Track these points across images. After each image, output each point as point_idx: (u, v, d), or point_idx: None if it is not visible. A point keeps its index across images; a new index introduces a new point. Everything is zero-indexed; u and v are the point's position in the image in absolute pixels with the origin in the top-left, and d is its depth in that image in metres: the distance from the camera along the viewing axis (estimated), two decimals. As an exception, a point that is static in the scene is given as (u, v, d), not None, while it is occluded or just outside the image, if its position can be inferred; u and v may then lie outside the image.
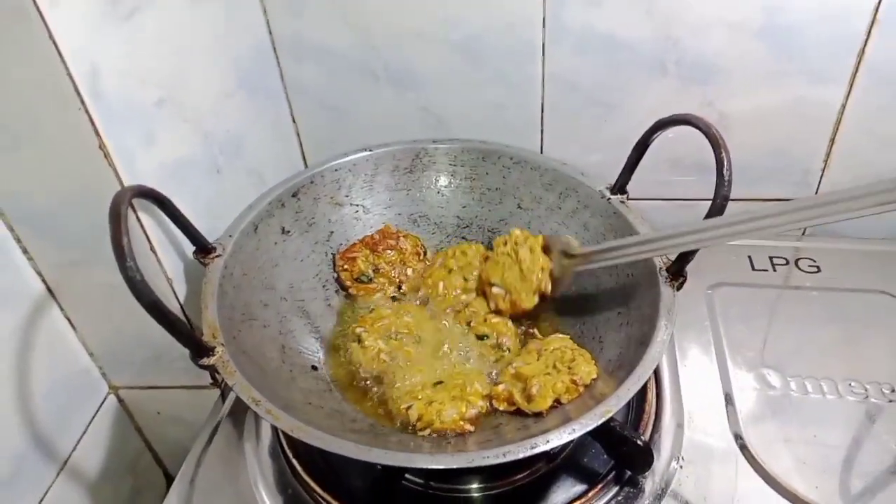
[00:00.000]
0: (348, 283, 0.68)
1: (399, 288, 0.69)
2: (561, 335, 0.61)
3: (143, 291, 0.43)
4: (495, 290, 0.64)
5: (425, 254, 0.72)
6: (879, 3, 0.65)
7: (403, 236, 0.72)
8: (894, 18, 0.66)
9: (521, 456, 0.45)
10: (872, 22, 0.66)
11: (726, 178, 0.52)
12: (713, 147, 0.53)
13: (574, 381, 0.54)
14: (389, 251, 0.70)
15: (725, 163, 0.52)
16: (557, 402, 0.55)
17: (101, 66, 0.48)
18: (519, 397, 0.56)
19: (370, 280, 0.68)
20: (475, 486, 0.58)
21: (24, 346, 0.57)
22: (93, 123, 0.48)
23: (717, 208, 0.52)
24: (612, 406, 0.48)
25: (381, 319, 0.63)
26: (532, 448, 0.45)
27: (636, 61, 0.72)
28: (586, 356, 0.57)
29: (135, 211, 0.53)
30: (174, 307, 0.59)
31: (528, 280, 0.62)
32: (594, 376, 0.55)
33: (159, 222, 0.56)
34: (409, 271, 0.69)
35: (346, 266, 0.69)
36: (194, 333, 0.48)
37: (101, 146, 0.49)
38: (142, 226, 0.54)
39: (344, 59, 0.76)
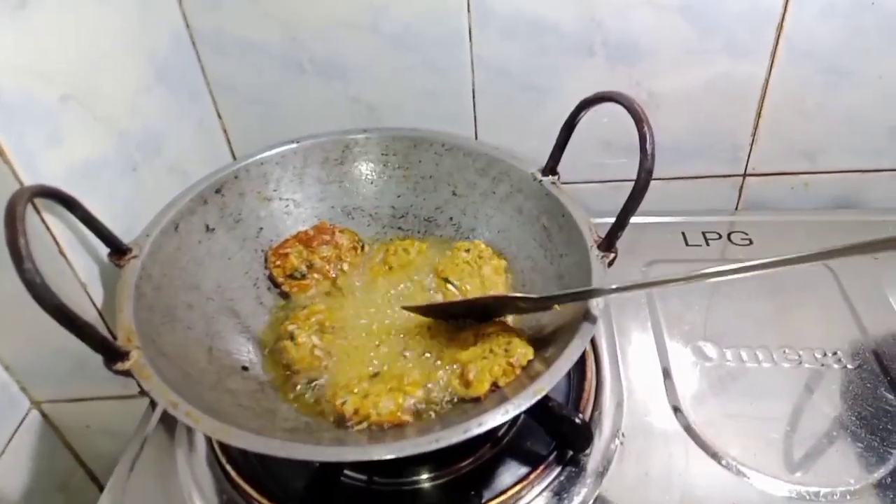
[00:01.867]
0: (280, 279, 0.66)
1: (335, 283, 0.67)
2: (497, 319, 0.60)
3: (45, 295, 0.40)
4: (450, 287, 0.64)
5: (363, 248, 0.70)
6: (792, -24, 0.66)
7: (340, 231, 0.70)
8: (807, -8, 0.67)
9: (454, 441, 0.44)
10: (787, -4, 0.68)
11: (649, 152, 0.51)
12: (636, 122, 0.52)
13: (511, 364, 0.54)
14: (324, 246, 0.68)
15: (648, 137, 0.52)
16: (496, 385, 0.54)
17: (-8, 60, 0.46)
18: (457, 384, 0.55)
19: (303, 276, 0.66)
20: (420, 477, 0.57)
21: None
22: (-16, 122, 0.45)
23: (641, 182, 0.52)
24: (545, 384, 0.47)
25: (314, 314, 0.61)
26: (465, 432, 0.44)
27: (563, 44, 0.72)
28: (522, 337, 0.57)
29: (38, 213, 0.50)
30: (90, 313, 0.56)
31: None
32: (530, 357, 0.54)
33: (69, 225, 0.53)
34: (346, 266, 0.68)
35: (278, 262, 0.67)
36: (105, 338, 0.46)
37: (-4, 146, 0.46)
38: (48, 229, 0.51)
39: (267, 52, 0.74)
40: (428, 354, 0.59)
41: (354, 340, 0.61)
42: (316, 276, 0.66)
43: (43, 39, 0.51)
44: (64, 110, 0.53)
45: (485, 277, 0.64)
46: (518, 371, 0.54)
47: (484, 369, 0.54)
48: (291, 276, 0.66)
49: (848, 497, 0.52)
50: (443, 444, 0.43)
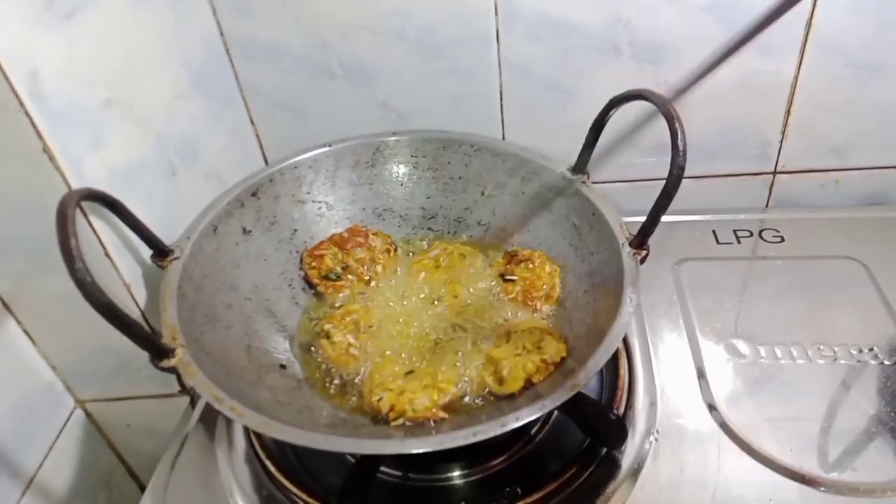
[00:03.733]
0: (316, 280, 0.67)
1: (368, 284, 0.68)
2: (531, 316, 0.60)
3: (95, 294, 0.42)
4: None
5: (395, 250, 0.71)
6: (822, -26, 0.66)
7: (373, 234, 0.71)
8: (837, -12, 0.67)
9: (490, 435, 0.44)
10: (817, -7, 0.68)
11: (681, 148, 0.52)
12: (667, 119, 0.53)
13: (544, 361, 0.54)
14: (358, 248, 0.69)
15: (679, 134, 0.52)
16: (529, 382, 0.54)
17: (41, 67, 0.47)
18: (491, 381, 0.56)
19: (338, 277, 0.67)
20: (454, 473, 0.57)
21: (-20, 363, 0.55)
22: (35, 126, 0.47)
23: (673, 179, 0.52)
24: (581, 380, 0.47)
25: (349, 314, 0.63)
26: (502, 426, 0.45)
27: (590, 45, 0.72)
28: (555, 335, 0.57)
29: (86, 216, 0.52)
30: (134, 313, 0.57)
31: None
32: (563, 354, 0.55)
33: (114, 227, 0.55)
34: (379, 268, 0.69)
35: (313, 263, 0.68)
36: (152, 335, 0.47)
37: (46, 149, 0.48)
38: (94, 231, 0.53)
39: (298, 58, 0.75)
40: (461, 352, 0.59)
41: (389, 339, 0.61)
42: (350, 277, 0.67)
43: (87, 48, 0.53)
44: (107, 115, 0.55)
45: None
46: (551, 368, 0.55)
47: (518, 366, 0.55)
48: (326, 278, 0.67)
49: (888, 493, 0.51)
50: (480, 437, 0.44)
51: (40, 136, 0.47)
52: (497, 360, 0.56)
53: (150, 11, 0.62)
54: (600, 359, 0.48)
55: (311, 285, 0.67)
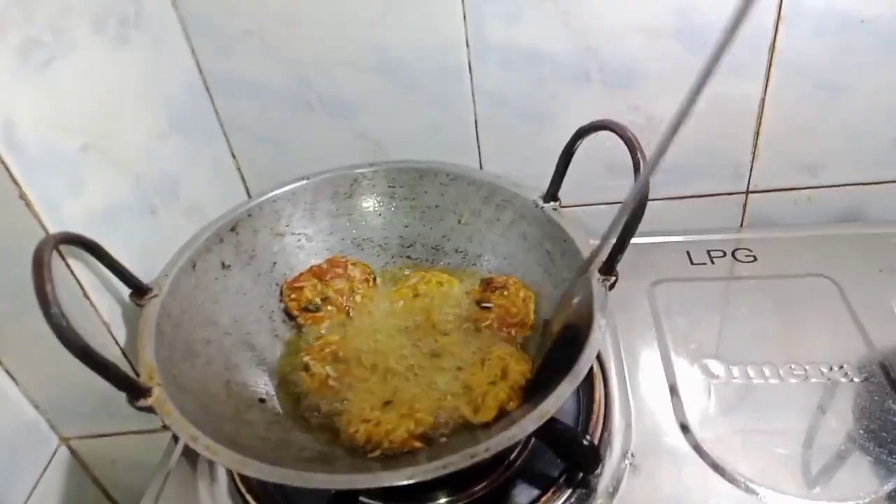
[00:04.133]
0: (296, 312, 0.68)
1: (348, 315, 0.69)
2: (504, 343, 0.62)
3: (71, 337, 0.43)
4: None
5: (374, 280, 0.73)
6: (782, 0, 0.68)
7: (352, 264, 0.72)
8: (797, 14, 0.69)
9: (461, 466, 0.45)
10: (778, 18, 0.69)
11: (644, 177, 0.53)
12: (629, 149, 0.54)
13: (512, 388, 0.55)
14: (337, 279, 0.70)
15: (642, 164, 0.54)
16: (504, 411, 0.55)
17: (17, 117, 0.49)
18: (466, 410, 0.57)
19: (318, 308, 0.68)
20: (438, 501, 0.58)
21: (-38, 404, 0.56)
22: (10, 174, 0.48)
23: (637, 207, 0.53)
24: (550, 407, 0.48)
25: (327, 346, 0.63)
26: (472, 457, 0.45)
27: (560, 72, 0.74)
28: (517, 357, 0.58)
29: (63, 258, 0.53)
30: (114, 351, 0.58)
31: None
32: (528, 376, 0.56)
33: (92, 268, 0.56)
34: (358, 298, 0.70)
35: (293, 295, 0.69)
36: (129, 376, 0.48)
37: (22, 196, 0.49)
38: (73, 272, 0.54)
39: (277, 93, 0.77)
40: (438, 381, 0.60)
41: (367, 370, 0.62)
42: (330, 308, 0.68)
43: (64, 95, 0.54)
44: (84, 160, 0.56)
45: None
46: (521, 393, 0.56)
47: (491, 394, 0.56)
48: (306, 309, 0.68)
49: (861, 511, 0.52)
50: (450, 469, 0.45)
51: (17, 184, 0.49)
52: (471, 388, 0.57)
53: (129, 54, 0.63)
54: (568, 386, 0.49)
55: (291, 317, 0.68)
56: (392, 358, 0.63)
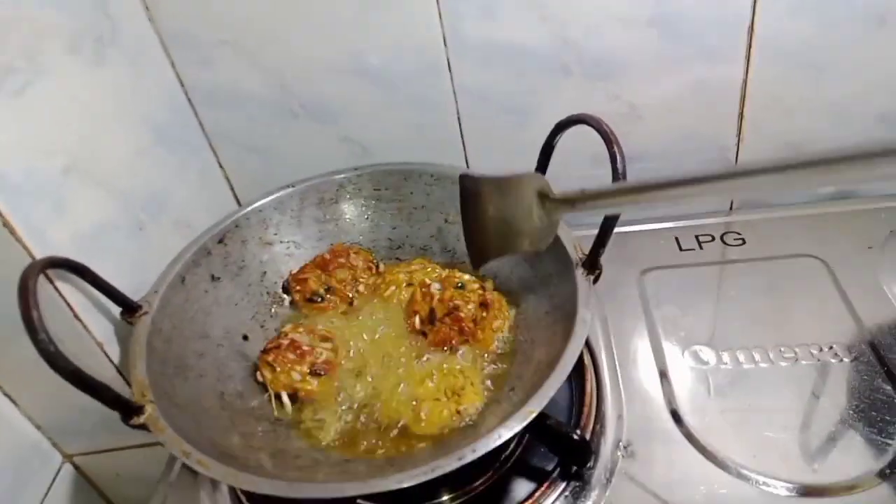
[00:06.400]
0: (301, 304, 0.69)
1: (351, 304, 0.70)
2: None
3: (60, 362, 0.44)
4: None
5: (377, 267, 0.73)
6: (758, -19, 0.68)
7: (354, 252, 0.73)
8: (773, -5, 0.68)
9: (449, 469, 0.46)
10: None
11: (620, 171, 0.53)
12: (605, 142, 0.55)
13: (458, 412, 0.56)
14: (340, 270, 0.71)
15: (618, 157, 0.54)
16: (441, 433, 0.56)
17: (-4, 145, 0.49)
18: (409, 418, 0.57)
19: (322, 299, 0.69)
20: (435, 500, 0.59)
21: (-36, 429, 0.57)
22: (-7, 203, 0.49)
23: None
24: (536, 406, 0.49)
25: (312, 356, 0.64)
26: (460, 459, 0.46)
27: (539, 66, 0.74)
28: (477, 384, 0.59)
29: (51, 282, 0.53)
30: (108, 371, 0.59)
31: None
32: (479, 408, 0.57)
33: (81, 289, 0.56)
34: (361, 287, 0.71)
35: (298, 287, 0.70)
36: (120, 395, 0.49)
37: (6, 224, 0.50)
38: (62, 295, 0.54)
39: (260, 101, 0.77)
40: (403, 385, 0.61)
41: (350, 372, 0.63)
42: (334, 298, 0.69)
43: (42, 118, 0.55)
44: (67, 182, 0.57)
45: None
46: (465, 420, 0.56)
47: (434, 411, 0.56)
48: (311, 300, 0.69)
49: (854, 491, 0.52)
50: (438, 473, 0.45)
51: (-1, 213, 0.49)
52: (420, 399, 0.57)
53: (107, 72, 0.64)
54: (553, 383, 0.49)
55: (296, 309, 0.70)
56: (369, 362, 0.64)
